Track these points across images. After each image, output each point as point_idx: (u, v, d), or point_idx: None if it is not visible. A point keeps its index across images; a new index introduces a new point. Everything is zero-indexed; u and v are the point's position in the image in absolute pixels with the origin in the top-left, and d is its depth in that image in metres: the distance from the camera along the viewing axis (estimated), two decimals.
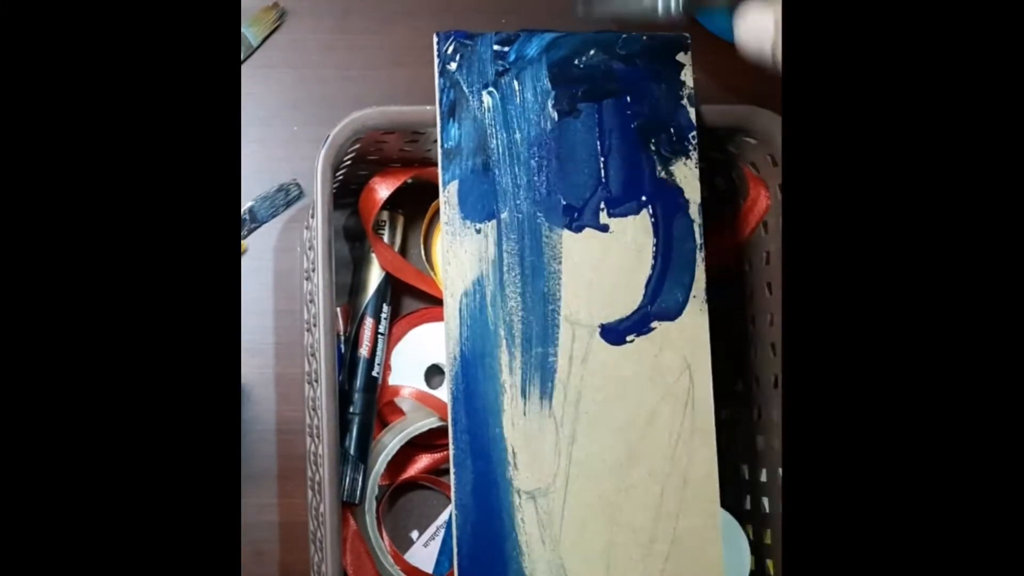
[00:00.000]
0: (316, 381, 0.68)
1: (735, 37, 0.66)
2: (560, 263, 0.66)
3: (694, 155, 0.68)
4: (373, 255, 0.79)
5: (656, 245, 0.67)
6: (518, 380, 0.65)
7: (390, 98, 0.82)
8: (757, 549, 0.77)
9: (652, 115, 0.67)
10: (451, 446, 0.64)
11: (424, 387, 0.81)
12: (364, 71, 0.84)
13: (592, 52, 0.67)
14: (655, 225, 0.67)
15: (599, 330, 0.66)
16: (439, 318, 0.81)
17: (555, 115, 0.66)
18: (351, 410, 0.78)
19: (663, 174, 0.67)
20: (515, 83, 0.66)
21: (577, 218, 0.66)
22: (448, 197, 0.65)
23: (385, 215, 0.80)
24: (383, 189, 0.75)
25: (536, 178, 0.66)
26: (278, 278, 0.83)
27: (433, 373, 0.82)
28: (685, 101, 0.68)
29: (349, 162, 0.73)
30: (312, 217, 0.69)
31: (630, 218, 0.67)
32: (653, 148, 0.67)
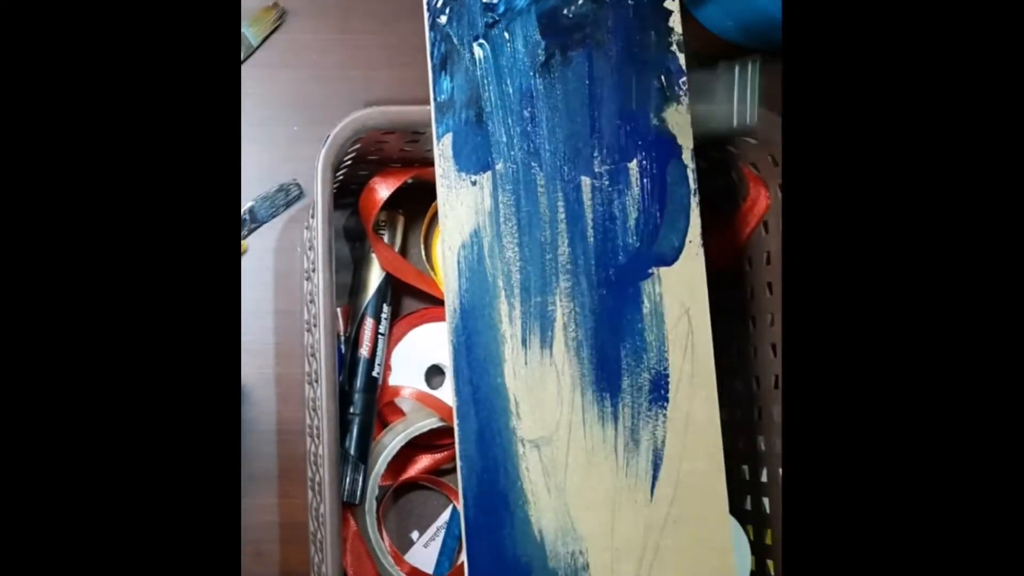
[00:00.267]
0: (316, 381, 0.68)
1: None
2: (556, 212, 0.66)
3: (685, 100, 0.68)
4: (373, 255, 0.79)
5: (651, 191, 0.67)
6: (518, 330, 0.65)
7: (390, 98, 0.82)
8: (757, 549, 0.77)
9: (642, 62, 0.68)
10: (454, 398, 0.65)
11: (424, 387, 0.81)
12: (364, 71, 0.84)
13: (581, 1, 0.67)
14: (649, 172, 0.67)
15: (597, 277, 0.66)
16: (439, 318, 0.81)
17: (546, 65, 0.67)
18: (351, 410, 0.78)
19: (655, 121, 0.67)
20: (505, 34, 0.66)
21: (571, 167, 0.66)
22: (442, 150, 0.66)
23: (385, 215, 0.80)
24: (383, 189, 0.75)
25: (529, 128, 0.66)
26: (278, 278, 0.83)
27: (433, 373, 0.82)
28: (675, 47, 0.68)
29: (349, 162, 0.73)
30: (312, 217, 0.69)
31: (624, 165, 0.67)
32: (644, 95, 0.67)
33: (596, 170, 0.66)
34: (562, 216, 0.66)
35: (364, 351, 0.78)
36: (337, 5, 0.84)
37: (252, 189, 0.82)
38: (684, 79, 0.68)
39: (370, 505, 0.78)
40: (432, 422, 0.78)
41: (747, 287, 0.78)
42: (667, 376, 0.67)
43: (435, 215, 0.81)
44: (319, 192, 0.67)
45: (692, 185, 0.68)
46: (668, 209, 0.67)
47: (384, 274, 0.79)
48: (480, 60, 0.66)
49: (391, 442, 0.77)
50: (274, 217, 0.83)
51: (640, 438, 0.66)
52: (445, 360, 0.81)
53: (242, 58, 0.82)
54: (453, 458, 0.80)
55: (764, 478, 0.76)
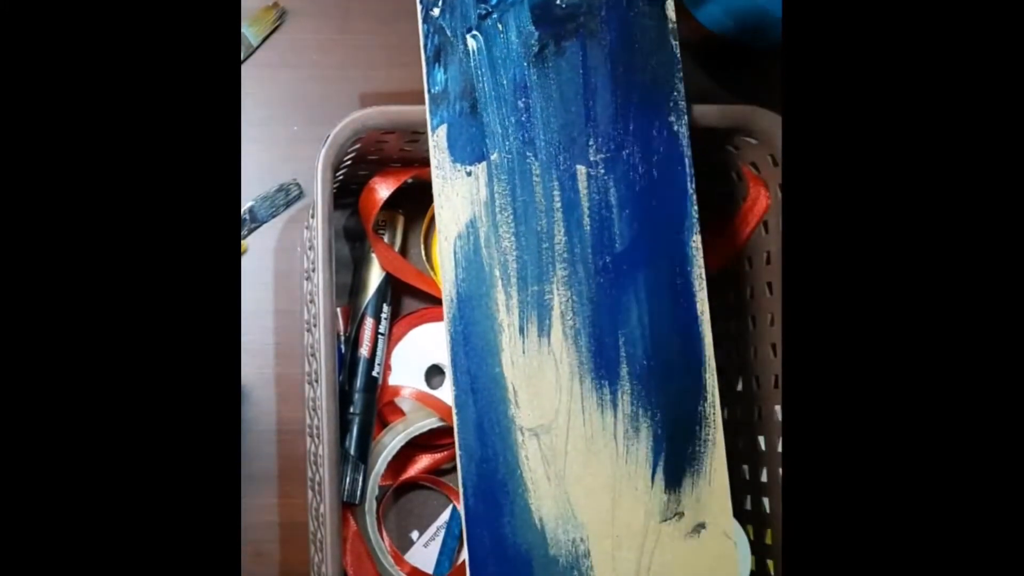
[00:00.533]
0: (316, 381, 0.68)
1: None
2: (552, 201, 0.66)
3: (680, 88, 0.68)
4: (373, 255, 0.79)
5: (646, 179, 0.67)
6: (516, 319, 0.65)
7: (390, 98, 0.82)
8: (757, 549, 0.77)
9: (637, 52, 0.68)
10: (452, 388, 0.65)
11: (424, 387, 0.81)
12: (364, 71, 0.84)
13: None
14: (645, 159, 0.67)
15: (594, 265, 0.66)
16: (439, 318, 0.81)
17: (540, 56, 0.67)
18: (351, 410, 0.78)
19: (650, 109, 0.68)
20: (499, 25, 0.66)
21: (567, 156, 0.67)
22: (437, 141, 0.66)
23: (385, 215, 0.80)
24: (383, 189, 0.75)
25: (524, 118, 0.66)
26: (278, 278, 0.83)
27: (433, 373, 0.82)
28: (669, 36, 0.68)
29: (349, 162, 0.73)
30: (312, 217, 0.69)
31: (619, 153, 0.67)
32: (639, 84, 0.68)
33: (591, 159, 0.67)
34: (558, 205, 0.66)
35: (364, 351, 0.79)
36: (337, 5, 0.84)
37: (252, 189, 0.82)
38: (679, 66, 0.68)
39: (370, 505, 0.78)
40: (432, 422, 0.78)
41: (747, 287, 0.78)
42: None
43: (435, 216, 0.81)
44: (319, 192, 0.67)
45: (688, 171, 0.68)
46: (664, 196, 0.67)
47: (384, 274, 0.79)
48: (474, 51, 0.66)
49: (391, 442, 0.77)
50: (274, 217, 0.83)
51: (639, 425, 0.66)
52: (445, 360, 0.81)
53: (242, 58, 0.82)
54: (453, 458, 0.80)
55: (764, 478, 0.76)
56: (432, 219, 0.82)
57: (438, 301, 0.80)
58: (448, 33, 0.66)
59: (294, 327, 0.82)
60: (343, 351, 0.79)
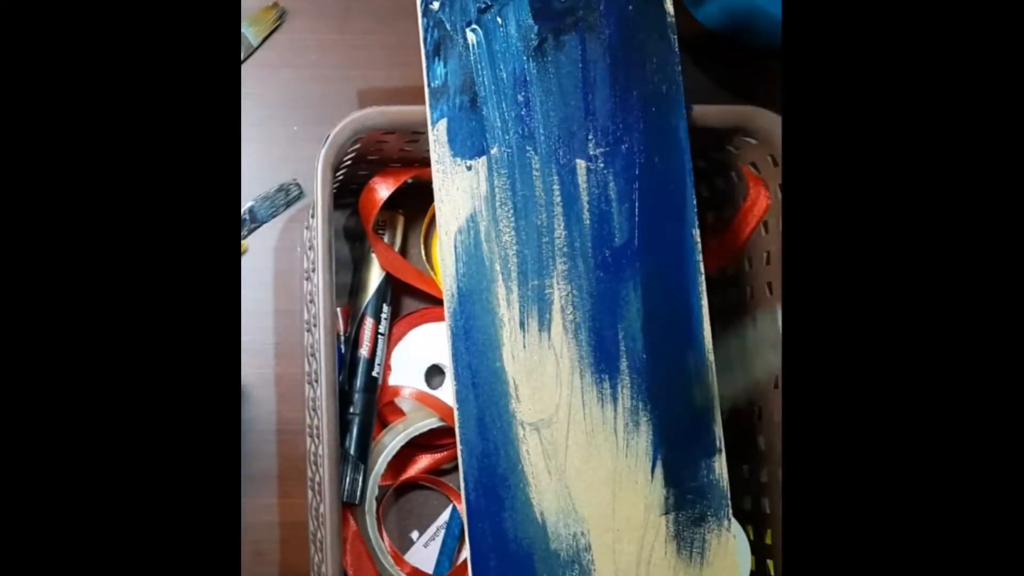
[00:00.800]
0: (316, 381, 0.68)
1: None
2: (552, 195, 0.66)
3: (679, 81, 0.68)
4: (373, 255, 0.79)
5: (646, 172, 0.67)
6: (516, 313, 0.65)
7: (390, 98, 0.82)
8: (757, 549, 0.77)
9: (636, 46, 0.68)
10: (453, 382, 0.65)
11: (424, 387, 0.81)
12: (364, 71, 0.84)
13: None
14: (644, 153, 0.67)
15: (594, 259, 0.66)
16: (439, 318, 0.81)
17: (539, 49, 0.67)
18: (351, 410, 0.78)
19: (650, 102, 0.68)
20: (498, 19, 0.66)
21: (566, 150, 0.67)
22: (437, 135, 0.66)
23: (385, 215, 0.80)
24: (383, 189, 0.75)
25: (523, 112, 0.66)
26: (278, 278, 0.83)
27: (433, 373, 0.82)
28: (668, 31, 0.68)
29: (349, 162, 0.73)
30: (312, 217, 0.69)
31: (619, 147, 0.67)
32: (638, 77, 0.68)
33: (591, 153, 0.67)
34: (558, 199, 0.66)
35: (364, 351, 0.79)
36: (337, 5, 0.84)
37: (252, 189, 0.82)
38: (677, 60, 0.68)
39: (370, 505, 0.78)
40: (432, 422, 0.78)
41: (747, 287, 0.78)
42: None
43: (435, 216, 0.81)
44: (319, 192, 0.67)
45: (687, 165, 0.68)
46: (664, 189, 0.67)
47: (384, 274, 0.79)
48: (473, 45, 0.66)
49: (391, 442, 0.77)
50: (274, 217, 0.83)
51: (640, 419, 0.66)
52: (445, 360, 0.81)
53: (242, 58, 0.82)
54: (453, 458, 0.80)
55: (764, 478, 0.76)
56: (432, 219, 0.82)
57: (438, 301, 0.80)
58: (448, 27, 0.66)
59: (294, 327, 0.82)
60: (343, 351, 0.79)
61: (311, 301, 0.72)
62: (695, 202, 0.68)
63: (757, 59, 0.83)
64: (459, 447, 0.65)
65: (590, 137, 0.67)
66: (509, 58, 0.66)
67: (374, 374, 0.79)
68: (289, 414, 0.82)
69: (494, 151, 0.66)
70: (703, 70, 0.86)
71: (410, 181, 0.76)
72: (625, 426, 0.66)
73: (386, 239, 0.81)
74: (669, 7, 0.68)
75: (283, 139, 0.83)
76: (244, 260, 0.82)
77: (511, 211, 0.66)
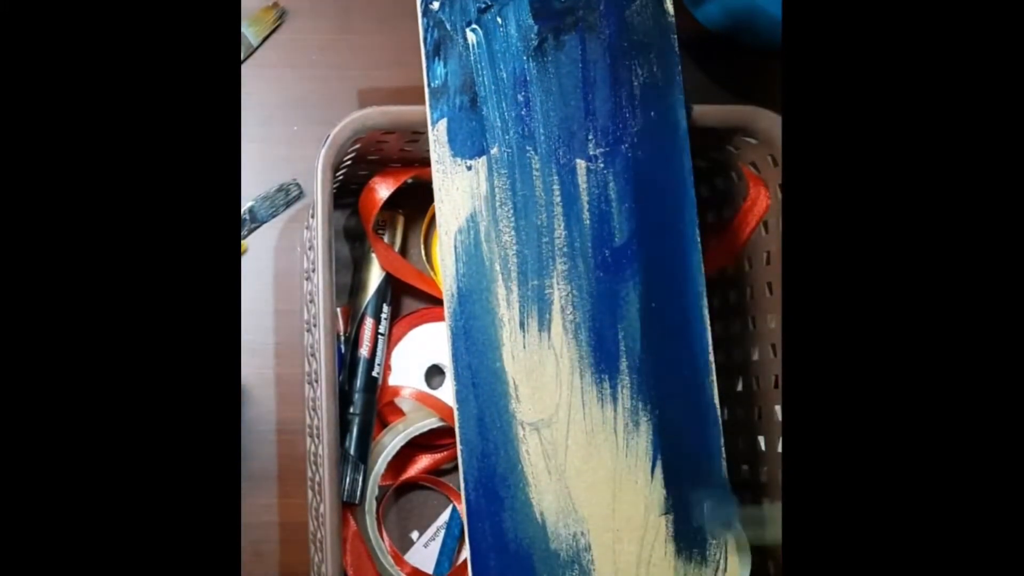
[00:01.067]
0: (316, 381, 0.68)
1: None
2: (552, 195, 0.66)
3: (678, 81, 0.68)
4: (373, 255, 0.79)
5: (646, 172, 0.67)
6: (516, 313, 0.65)
7: (390, 98, 0.82)
8: (757, 549, 0.77)
9: (636, 45, 0.68)
10: (453, 382, 0.65)
11: (424, 387, 0.81)
12: (364, 71, 0.84)
13: None
14: (644, 153, 0.67)
15: (594, 259, 0.66)
16: (439, 318, 0.81)
17: (539, 49, 0.67)
18: (351, 410, 0.78)
19: (649, 102, 0.68)
20: (498, 19, 0.66)
21: (566, 150, 0.67)
22: (437, 135, 0.66)
23: (385, 215, 0.80)
24: (383, 189, 0.75)
25: (523, 112, 0.66)
26: (278, 278, 0.83)
27: (433, 373, 0.82)
28: (668, 30, 0.68)
29: (349, 162, 0.73)
30: (312, 217, 0.69)
31: (619, 147, 0.67)
32: (638, 77, 0.68)
33: (591, 153, 0.67)
34: (558, 199, 0.66)
35: (364, 351, 0.79)
36: (337, 5, 0.84)
37: (252, 189, 0.82)
38: (677, 60, 0.68)
39: (370, 505, 0.78)
40: (432, 422, 0.78)
41: (747, 287, 0.78)
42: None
43: (435, 216, 0.81)
44: (319, 192, 0.67)
45: (687, 164, 0.68)
46: (664, 189, 0.67)
47: (384, 274, 0.79)
48: (473, 45, 0.66)
49: (391, 442, 0.77)
50: (274, 217, 0.83)
51: (639, 419, 0.66)
52: (445, 360, 0.81)
53: (242, 58, 0.82)
54: (453, 458, 0.80)
55: (764, 478, 0.76)
56: (432, 219, 0.82)
57: (438, 301, 0.80)
58: (448, 27, 0.66)
59: (294, 327, 0.82)
60: (343, 351, 0.79)
61: (311, 301, 0.72)
62: (695, 202, 0.68)
63: (757, 59, 0.83)
64: (459, 447, 0.65)
65: (590, 137, 0.67)
66: (509, 58, 0.67)
67: (374, 374, 0.79)
68: (289, 414, 0.82)
69: (494, 151, 0.66)
70: (703, 70, 0.86)
71: (410, 181, 0.76)
72: (625, 426, 0.66)
73: (386, 239, 0.81)
74: (669, 7, 0.68)
75: (283, 139, 0.83)
76: (244, 260, 0.82)
77: (511, 211, 0.66)
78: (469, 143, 0.66)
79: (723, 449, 0.67)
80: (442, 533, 0.82)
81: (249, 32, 0.82)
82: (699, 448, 0.67)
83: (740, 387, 0.80)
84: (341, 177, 0.76)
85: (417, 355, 0.81)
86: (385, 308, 0.79)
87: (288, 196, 0.83)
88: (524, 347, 0.65)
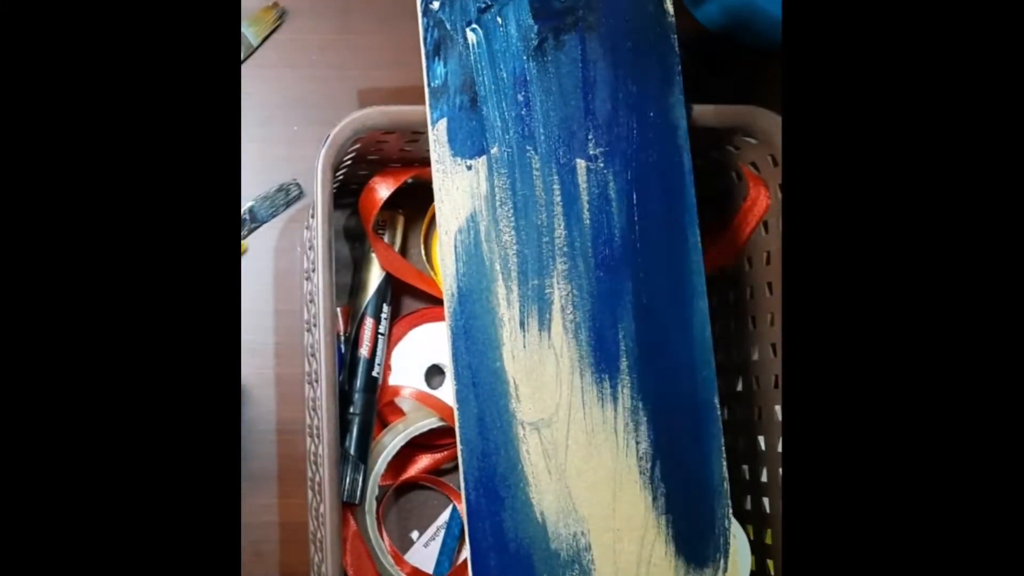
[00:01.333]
0: (316, 381, 0.68)
1: None
2: (552, 195, 0.66)
3: (678, 81, 0.68)
4: (373, 255, 0.79)
5: (645, 172, 0.67)
6: (516, 313, 0.65)
7: (390, 98, 0.82)
8: (757, 549, 0.77)
9: (635, 45, 0.68)
10: (453, 382, 0.65)
11: (424, 387, 0.81)
12: (364, 71, 0.84)
13: None
14: (644, 153, 0.67)
15: (594, 259, 0.66)
16: (439, 318, 0.81)
17: (539, 49, 0.67)
18: (351, 410, 0.78)
19: (649, 102, 0.68)
20: (498, 19, 0.66)
21: (566, 150, 0.67)
22: (437, 135, 0.66)
23: (385, 215, 0.80)
24: (383, 189, 0.75)
25: (523, 112, 0.66)
26: (278, 278, 0.83)
27: (433, 373, 0.82)
28: (668, 30, 0.68)
29: (349, 162, 0.73)
30: (312, 217, 0.69)
31: (618, 147, 0.67)
32: (638, 77, 0.68)
33: (591, 152, 0.67)
34: (558, 199, 0.66)
35: (364, 351, 0.79)
36: (337, 5, 0.84)
37: (252, 189, 0.82)
38: (677, 60, 0.68)
39: (370, 505, 0.78)
40: (432, 422, 0.78)
41: (747, 287, 0.78)
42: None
43: (435, 216, 0.81)
44: (319, 192, 0.67)
45: (687, 164, 0.68)
46: (664, 189, 0.67)
47: (384, 274, 0.79)
48: (473, 45, 0.66)
49: (391, 442, 0.77)
50: (274, 217, 0.83)
51: (640, 419, 0.66)
52: (445, 360, 0.81)
53: (242, 58, 0.82)
54: (453, 458, 0.80)
55: (764, 478, 0.76)
56: (432, 219, 0.82)
57: (438, 301, 0.80)
58: (448, 27, 0.66)
59: (294, 327, 0.82)
60: (343, 351, 0.79)
61: (311, 301, 0.72)
62: (695, 202, 0.68)
63: (757, 59, 0.83)
64: (459, 447, 0.65)
65: (590, 137, 0.67)
66: (509, 58, 0.67)
67: (374, 374, 0.79)
68: (289, 414, 0.82)
69: (494, 151, 0.66)
70: (703, 70, 0.86)
71: (410, 181, 0.76)
72: (625, 426, 0.66)
73: (386, 239, 0.81)
74: (669, 7, 0.68)
75: (283, 139, 0.83)
76: (244, 260, 0.82)
77: (511, 211, 0.66)
78: (469, 143, 0.66)
79: (723, 449, 0.67)
80: (442, 533, 0.82)
81: (249, 32, 0.82)
82: (699, 447, 0.67)
83: (740, 387, 0.80)
84: (341, 177, 0.76)
85: (417, 355, 0.81)
86: (385, 308, 0.80)
87: (288, 196, 0.83)
88: (524, 347, 0.65)
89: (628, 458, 0.66)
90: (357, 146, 0.70)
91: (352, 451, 0.77)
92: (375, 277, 0.79)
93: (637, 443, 0.66)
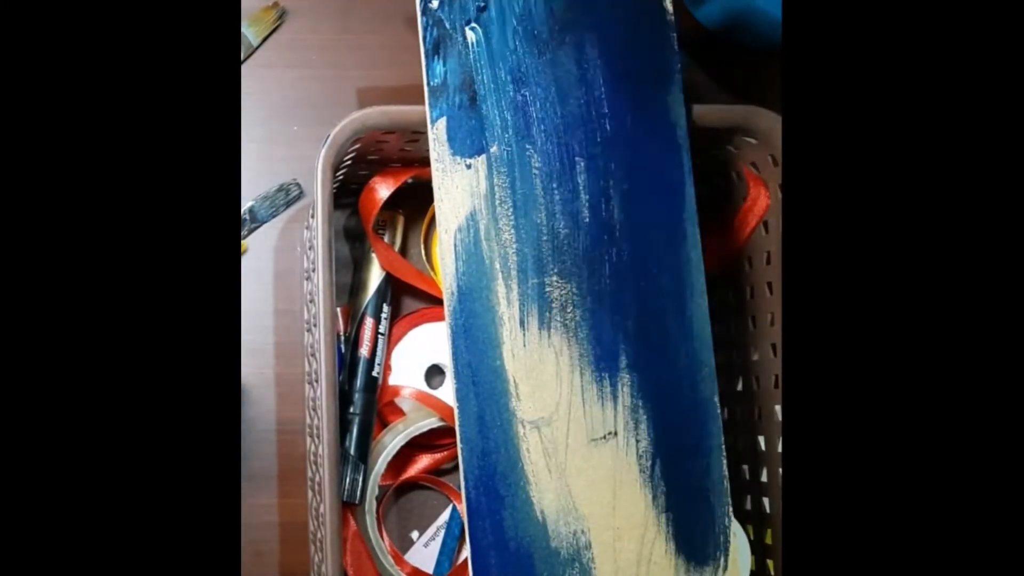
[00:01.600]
0: (316, 381, 0.68)
1: None
2: (551, 194, 0.66)
3: (678, 80, 0.68)
4: (373, 255, 0.79)
5: (645, 171, 0.67)
6: (516, 311, 0.65)
7: (390, 98, 0.82)
8: (757, 549, 0.77)
9: (635, 44, 0.68)
10: (453, 381, 0.65)
11: (424, 387, 0.81)
12: (364, 71, 0.84)
13: None
14: (643, 151, 0.67)
15: (594, 258, 0.66)
16: (439, 318, 0.81)
17: (539, 48, 0.67)
18: (351, 410, 0.78)
19: (648, 101, 0.68)
20: (497, 18, 0.66)
21: (566, 149, 0.67)
22: (437, 134, 0.66)
23: (385, 215, 0.80)
24: (383, 189, 0.75)
25: (523, 111, 0.66)
26: (278, 278, 0.83)
27: (433, 373, 0.82)
28: (667, 29, 0.68)
29: (349, 162, 0.73)
30: (312, 217, 0.69)
31: (618, 145, 0.67)
32: (637, 76, 0.68)
33: (590, 151, 0.67)
34: (557, 197, 0.66)
35: (364, 351, 0.79)
36: (337, 5, 0.84)
37: (252, 189, 0.82)
38: (677, 58, 0.68)
39: (370, 505, 0.78)
40: (432, 422, 0.78)
41: (747, 287, 0.78)
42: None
43: (435, 216, 0.81)
44: (319, 192, 0.67)
45: (687, 164, 0.68)
46: (663, 187, 0.67)
47: (384, 274, 0.79)
48: (472, 44, 0.66)
49: (391, 442, 0.77)
50: (274, 217, 0.83)
51: (639, 417, 0.66)
52: (445, 360, 0.81)
53: (242, 58, 0.82)
54: (453, 458, 0.80)
55: (764, 478, 0.76)
56: (432, 219, 0.82)
57: (438, 301, 0.80)
58: (447, 26, 0.66)
59: (294, 327, 0.82)
60: (343, 351, 0.79)
61: (311, 301, 0.72)
62: (695, 202, 0.68)
63: (757, 59, 0.83)
64: (459, 445, 0.65)
65: (590, 135, 0.67)
66: (508, 56, 0.67)
67: (374, 374, 0.79)
68: (289, 414, 0.82)
69: (494, 149, 0.66)
70: (703, 70, 0.86)
71: (410, 181, 0.76)
72: (625, 424, 0.66)
73: (386, 239, 0.81)
74: (669, 7, 0.68)
75: (283, 139, 0.83)
76: (244, 260, 0.82)
77: (511, 209, 0.66)
78: (468, 141, 0.66)
79: (723, 447, 0.67)
80: (442, 533, 0.82)
81: (249, 32, 0.82)
82: (699, 446, 0.67)
83: (740, 387, 0.80)
84: (341, 177, 0.76)
85: (417, 355, 0.81)
86: (385, 308, 0.80)
87: (288, 196, 0.83)
88: (524, 345, 0.65)
89: (628, 457, 0.66)
90: (357, 146, 0.70)
91: (352, 451, 0.77)
92: (375, 277, 0.80)
93: (637, 441, 0.66)
